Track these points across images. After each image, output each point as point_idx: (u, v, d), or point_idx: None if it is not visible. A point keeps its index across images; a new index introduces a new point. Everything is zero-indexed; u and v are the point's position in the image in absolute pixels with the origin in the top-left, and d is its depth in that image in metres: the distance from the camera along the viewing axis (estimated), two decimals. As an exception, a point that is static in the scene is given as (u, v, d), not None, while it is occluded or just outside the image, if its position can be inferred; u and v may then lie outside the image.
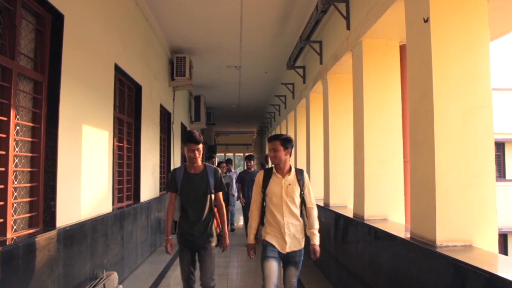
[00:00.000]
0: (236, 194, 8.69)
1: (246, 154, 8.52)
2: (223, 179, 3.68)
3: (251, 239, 3.42)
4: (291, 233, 3.27)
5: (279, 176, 3.34)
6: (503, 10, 3.71)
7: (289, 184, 3.30)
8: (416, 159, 3.01)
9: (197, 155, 3.52)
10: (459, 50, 2.75)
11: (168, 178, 3.40)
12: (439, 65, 2.73)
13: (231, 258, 6.43)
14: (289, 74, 9.55)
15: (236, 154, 30.43)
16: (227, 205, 7.77)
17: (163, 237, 8.09)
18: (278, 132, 13.74)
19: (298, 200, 3.31)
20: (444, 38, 2.75)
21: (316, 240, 3.34)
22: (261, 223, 3.42)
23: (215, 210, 3.67)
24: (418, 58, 2.94)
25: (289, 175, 3.34)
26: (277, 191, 3.29)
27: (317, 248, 3.34)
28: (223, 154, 28.03)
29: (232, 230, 9.54)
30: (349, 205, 5.43)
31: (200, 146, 3.52)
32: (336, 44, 5.34)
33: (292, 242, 3.28)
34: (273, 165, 3.39)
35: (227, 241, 3.67)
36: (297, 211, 3.30)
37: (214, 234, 3.63)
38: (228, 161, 10.49)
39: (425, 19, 2.79)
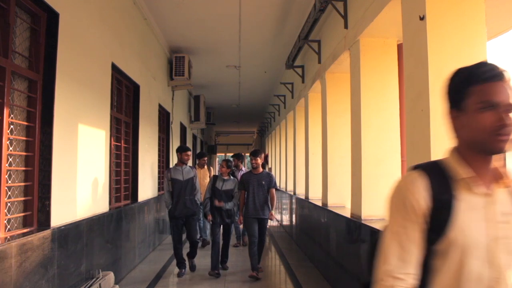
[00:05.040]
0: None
1: (252, 150, 6.26)
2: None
3: None
4: None
5: (480, 192, 1.18)
6: (501, 9, 3.69)
7: (507, 214, 1.19)
8: (412, 158, 2.98)
9: None
10: (456, 48, 2.72)
11: None
12: (435, 63, 2.70)
13: (230, 258, 6.39)
14: (288, 74, 9.53)
15: (236, 154, 30.39)
16: (232, 215, 5.86)
17: (162, 237, 8.07)
18: (276, 133, 13.60)
19: None
20: (440, 36, 2.72)
21: None
22: None
23: None
24: (414, 56, 2.92)
25: (499, 186, 1.21)
26: (479, 234, 1.15)
27: None
28: (223, 154, 28.03)
29: (244, 244, 7.52)
30: (347, 205, 5.41)
31: None
32: (334, 43, 5.32)
33: None
34: (450, 162, 1.25)
35: None
36: None
37: None
38: (238, 157, 7.92)
39: (421, 17, 2.76)
